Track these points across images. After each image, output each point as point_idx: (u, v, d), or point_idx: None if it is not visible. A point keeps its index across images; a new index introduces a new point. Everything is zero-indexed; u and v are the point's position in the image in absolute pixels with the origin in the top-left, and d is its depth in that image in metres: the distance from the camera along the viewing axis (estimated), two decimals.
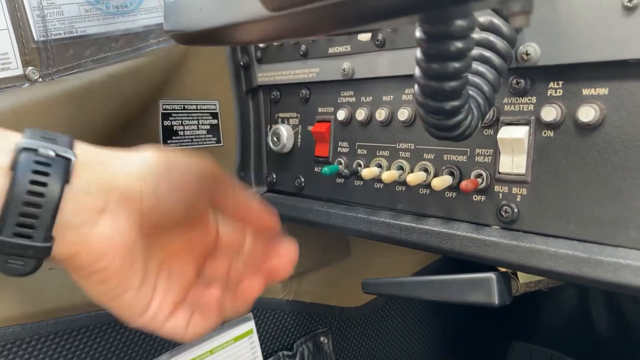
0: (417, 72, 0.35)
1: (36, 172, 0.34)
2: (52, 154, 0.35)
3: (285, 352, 0.87)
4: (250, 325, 0.81)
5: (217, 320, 0.45)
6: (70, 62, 0.59)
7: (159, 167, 0.40)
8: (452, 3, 0.23)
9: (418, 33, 0.32)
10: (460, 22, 0.30)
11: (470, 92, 0.40)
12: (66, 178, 0.35)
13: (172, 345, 0.74)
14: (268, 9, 0.28)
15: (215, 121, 0.75)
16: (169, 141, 0.70)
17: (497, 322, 1.20)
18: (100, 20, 0.60)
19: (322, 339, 0.91)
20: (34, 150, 0.34)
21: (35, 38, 0.56)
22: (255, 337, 0.82)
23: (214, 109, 0.75)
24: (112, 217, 0.37)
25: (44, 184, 0.34)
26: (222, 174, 0.44)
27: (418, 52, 0.33)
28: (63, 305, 0.62)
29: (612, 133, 0.42)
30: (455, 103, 0.36)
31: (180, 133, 0.72)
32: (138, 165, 0.39)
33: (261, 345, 0.82)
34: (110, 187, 0.37)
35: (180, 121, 0.72)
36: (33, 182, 0.33)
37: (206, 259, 0.46)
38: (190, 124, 0.72)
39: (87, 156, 0.37)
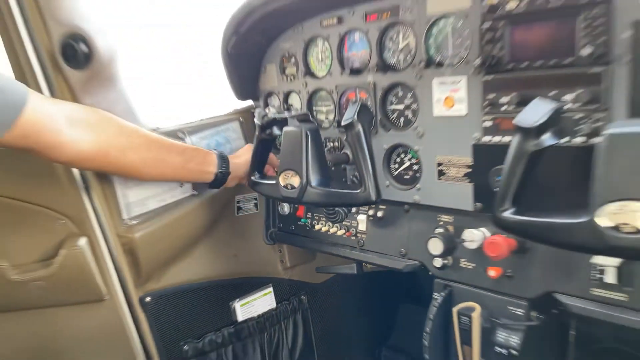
0: None
1: (221, 165, 1.46)
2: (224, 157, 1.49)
3: (285, 302, 1.85)
4: (270, 288, 1.80)
5: None
6: None
7: (242, 164, 1.52)
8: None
9: None
10: None
11: None
12: (229, 171, 1.48)
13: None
14: None
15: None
16: None
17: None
18: None
19: (302, 297, 1.90)
20: (221, 156, 1.47)
21: None
22: (272, 295, 1.80)
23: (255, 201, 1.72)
24: (239, 180, 1.56)
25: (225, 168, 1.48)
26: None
27: None
28: None
29: None
30: None
31: None
32: (240, 164, 1.50)
33: (275, 298, 1.81)
34: (238, 176, 1.51)
35: None
36: (221, 166, 1.46)
37: None
38: None
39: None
